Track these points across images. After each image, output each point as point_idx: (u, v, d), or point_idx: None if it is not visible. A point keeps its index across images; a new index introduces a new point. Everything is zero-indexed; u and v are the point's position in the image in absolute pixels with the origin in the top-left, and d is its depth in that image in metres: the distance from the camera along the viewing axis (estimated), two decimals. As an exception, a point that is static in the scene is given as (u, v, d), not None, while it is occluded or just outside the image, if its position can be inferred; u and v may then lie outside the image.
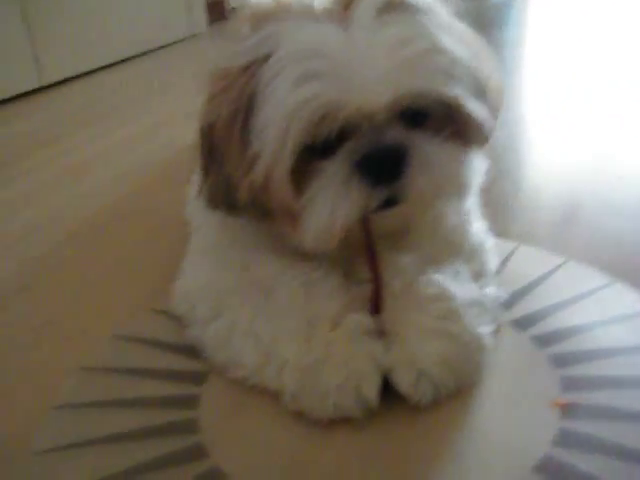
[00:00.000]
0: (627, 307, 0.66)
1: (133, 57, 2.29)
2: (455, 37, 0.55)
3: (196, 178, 0.73)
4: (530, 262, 0.75)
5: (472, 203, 0.68)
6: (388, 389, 0.54)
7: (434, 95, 0.52)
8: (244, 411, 0.57)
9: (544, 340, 0.61)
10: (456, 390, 0.55)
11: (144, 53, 2.34)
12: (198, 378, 0.60)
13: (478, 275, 0.62)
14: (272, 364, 0.55)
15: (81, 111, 1.72)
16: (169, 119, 1.53)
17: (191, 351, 0.63)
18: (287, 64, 0.52)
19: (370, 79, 0.51)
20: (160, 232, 0.93)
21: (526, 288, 0.69)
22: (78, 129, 1.54)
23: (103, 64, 2.16)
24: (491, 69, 0.59)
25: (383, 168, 0.52)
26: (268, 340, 0.56)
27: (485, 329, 0.57)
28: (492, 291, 0.62)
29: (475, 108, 0.54)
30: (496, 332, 0.61)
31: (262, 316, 0.58)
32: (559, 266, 0.73)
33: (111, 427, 0.55)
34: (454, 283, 0.57)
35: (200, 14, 2.69)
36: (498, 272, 0.69)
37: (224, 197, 0.58)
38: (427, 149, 0.53)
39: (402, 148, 0.52)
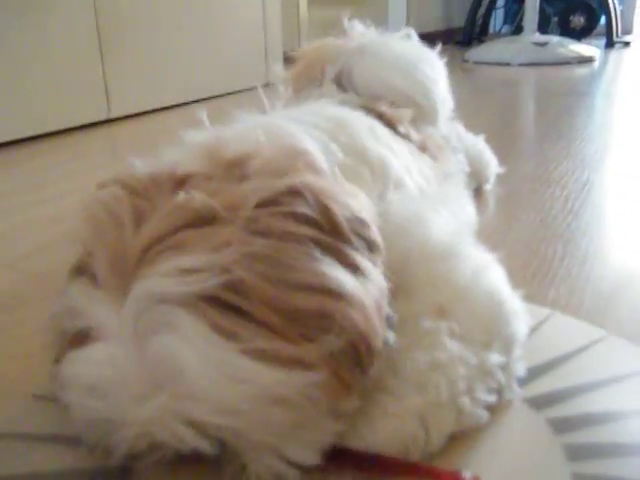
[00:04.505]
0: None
1: (204, 99, 2.32)
2: None
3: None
4: (564, 333, 0.64)
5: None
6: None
7: None
8: None
9: (561, 425, 0.51)
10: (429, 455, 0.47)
11: (215, 97, 2.38)
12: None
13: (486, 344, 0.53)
14: None
15: (128, 147, 1.73)
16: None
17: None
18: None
19: None
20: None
21: (553, 362, 0.59)
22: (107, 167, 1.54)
23: (174, 103, 2.20)
24: None
25: None
26: None
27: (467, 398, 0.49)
28: (496, 358, 0.52)
29: None
30: (502, 406, 0.52)
31: None
32: (597, 341, 0.62)
33: None
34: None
35: (277, 65, 2.72)
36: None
37: None
38: None
39: None
